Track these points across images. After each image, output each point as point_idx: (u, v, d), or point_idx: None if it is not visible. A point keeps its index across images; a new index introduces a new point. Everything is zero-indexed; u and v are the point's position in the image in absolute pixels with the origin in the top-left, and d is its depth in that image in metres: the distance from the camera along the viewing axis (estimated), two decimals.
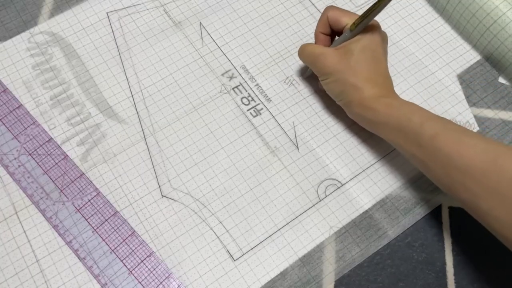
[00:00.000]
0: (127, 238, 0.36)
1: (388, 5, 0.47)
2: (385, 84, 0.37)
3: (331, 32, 0.40)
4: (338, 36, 0.40)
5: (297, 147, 0.40)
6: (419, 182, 0.39)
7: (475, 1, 0.43)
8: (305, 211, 0.38)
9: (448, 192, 0.33)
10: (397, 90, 0.43)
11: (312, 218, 0.38)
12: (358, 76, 0.36)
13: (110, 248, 0.36)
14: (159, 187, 0.38)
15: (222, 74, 0.43)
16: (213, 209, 0.38)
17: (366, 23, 0.36)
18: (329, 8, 0.39)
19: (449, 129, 0.32)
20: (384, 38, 0.38)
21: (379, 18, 0.46)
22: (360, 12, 0.47)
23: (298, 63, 0.44)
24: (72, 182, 0.38)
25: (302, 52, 0.40)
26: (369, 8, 0.35)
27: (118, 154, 0.39)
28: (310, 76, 0.43)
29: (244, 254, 0.36)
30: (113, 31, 0.45)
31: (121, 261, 0.36)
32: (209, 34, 0.45)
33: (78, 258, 0.36)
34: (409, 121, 0.33)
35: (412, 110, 0.34)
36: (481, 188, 0.30)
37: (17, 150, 0.39)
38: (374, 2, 0.35)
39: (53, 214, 0.37)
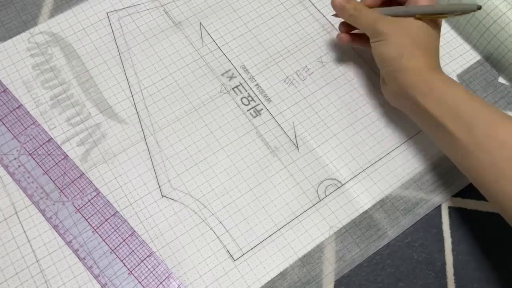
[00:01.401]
0: (127, 238, 0.36)
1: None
2: (439, 66, 0.36)
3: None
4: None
5: (297, 147, 0.40)
6: (419, 182, 0.39)
7: (475, 1, 0.43)
8: (305, 211, 0.38)
9: (484, 184, 0.32)
10: None
11: (312, 218, 0.38)
12: (417, 45, 0.35)
13: (110, 248, 0.36)
14: (159, 187, 0.38)
15: (222, 74, 0.43)
16: (213, 209, 0.38)
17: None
18: None
19: (508, 119, 0.32)
20: (437, 29, 0.37)
21: None
22: None
23: (298, 62, 0.44)
24: (72, 182, 0.38)
25: (360, 13, 0.38)
26: (447, 9, 0.35)
27: (118, 154, 0.39)
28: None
29: (244, 254, 0.36)
30: (113, 31, 0.45)
31: (121, 261, 0.36)
32: (209, 34, 0.45)
33: (78, 258, 0.36)
34: (466, 102, 0.32)
35: (468, 94, 0.33)
36: None
37: (17, 150, 0.39)
38: (453, 7, 0.35)
39: (53, 214, 0.37)
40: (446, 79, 0.35)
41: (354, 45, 0.43)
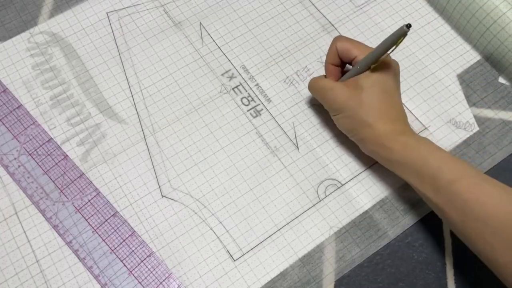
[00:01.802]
0: (127, 238, 0.36)
1: (388, 5, 0.47)
2: (399, 119, 0.35)
3: (341, 63, 0.39)
4: (350, 65, 0.39)
5: (297, 147, 0.40)
6: None
7: (475, 1, 0.43)
8: (305, 211, 0.38)
9: (464, 240, 0.32)
10: None
11: (312, 218, 0.38)
12: (369, 112, 0.35)
13: (110, 248, 0.36)
14: (159, 187, 0.38)
15: (222, 74, 0.43)
16: (213, 209, 0.38)
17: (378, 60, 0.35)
18: (338, 38, 0.38)
19: (469, 174, 0.31)
20: (396, 70, 0.37)
21: (379, 18, 0.47)
22: (360, 12, 0.47)
23: (298, 63, 0.44)
24: (72, 182, 0.38)
25: (312, 86, 0.39)
26: (382, 47, 0.34)
27: (118, 154, 0.39)
28: (319, 104, 0.42)
29: (244, 254, 0.36)
30: (113, 31, 0.45)
31: (121, 261, 0.36)
32: (209, 34, 0.45)
33: (78, 258, 0.36)
34: (426, 163, 0.32)
35: (429, 151, 0.33)
36: (499, 240, 0.28)
37: (17, 150, 0.39)
38: (386, 42, 0.33)
39: (53, 214, 0.37)
40: (403, 142, 0.34)
41: None
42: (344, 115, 0.36)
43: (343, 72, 0.39)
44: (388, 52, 0.34)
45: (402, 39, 0.32)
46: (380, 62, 0.35)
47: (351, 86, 0.36)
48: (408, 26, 0.31)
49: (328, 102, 0.37)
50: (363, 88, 0.35)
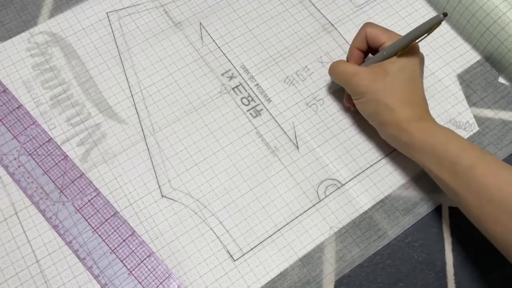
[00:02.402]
0: (127, 238, 0.36)
1: (388, 5, 0.47)
2: (421, 106, 0.36)
3: (367, 48, 0.39)
4: (372, 53, 0.39)
5: (297, 147, 0.40)
6: (419, 182, 0.39)
7: (475, 1, 0.43)
8: (305, 211, 0.38)
9: (479, 224, 0.33)
10: None
11: (312, 218, 0.38)
12: (393, 97, 0.35)
13: (110, 248, 0.36)
14: (159, 187, 0.38)
15: (222, 74, 0.43)
16: (213, 209, 0.38)
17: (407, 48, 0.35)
18: (368, 24, 0.39)
19: (488, 160, 0.32)
20: (422, 59, 0.37)
21: (379, 18, 0.47)
22: (360, 12, 0.47)
23: (298, 62, 0.44)
24: (72, 182, 0.38)
25: (334, 70, 0.39)
26: (413, 34, 0.34)
27: (118, 154, 0.39)
28: (336, 91, 0.43)
29: (244, 254, 0.36)
30: (113, 31, 0.45)
31: (121, 261, 0.36)
32: (209, 34, 0.45)
33: (78, 258, 0.36)
34: (445, 149, 0.33)
35: (448, 137, 0.34)
36: None
37: (17, 150, 0.39)
38: (419, 29, 0.34)
39: (53, 215, 0.37)
40: (424, 127, 0.35)
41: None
42: (367, 98, 0.36)
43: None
44: (420, 39, 0.34)
45: (436, 27, 0.33)
46: (409, 48, 0.35)
47: (376, 70, 0.36)
48: (445, 14, 0.32)
49: (352, 86, 0.37)
50: (389, 73, 0.36)
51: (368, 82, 0.36)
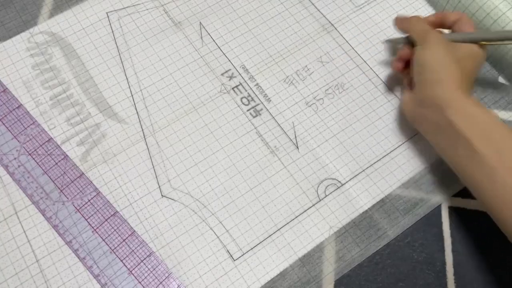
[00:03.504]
0: (127, 238, 0.36)
1: (388, 5, 0.47)
2: (472, 96, 0.36)
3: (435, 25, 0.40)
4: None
5: (297, 147, 0.40)
6: (419, 182, 0.39)
7: (474, 1, 0.43)
8: (305, 211, 0.38)
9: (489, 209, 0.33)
10: (397, 90, 0.43)
11: (312, 218, 0.38)
12: (459, 66, 0.35)
13: (110, 248, 0.36)
14: (159, 187, 0.38)
15: (222, 74, 0.43)
16: (213, 209, 0.38)
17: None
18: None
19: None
20: (484, 58, 0.38)
21: (379, 18, 0.47)
22: (360, 12, 0.47)
23: (298, 62, 0.44)
24: (72, 182, 0.38)
25: (412, 21, 0.39)
26: (505, 35, 0.37)
27: (118, 154, 0.39)
28: (392, 42, 0.43)
29: (244, 254, 0.36)
30: (112, 31, 0.45)
31: (121, 261, 0.36)
32: (209, 34, 0.45)
33: (78, 258, 0.36)
34: (498, 129, 0.33)
35: (501, 123, 0.33)
36: None
37: (17, 150, 0.39)
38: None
39: (53, 214, 0.37)
40: (479, 104, 0.35)
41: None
42: (435, 51, 0.36)
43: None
44: (507, 42, 0.37)
45: None
46: (491, 44, 0.37)
47: (453, 45, 0.37)
48: None
49: (423, 39, 0.38)
50: (460, 49, 0.37)
51: (445, 42, 0.37)
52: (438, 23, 0.40)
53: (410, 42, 0.40)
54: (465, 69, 0.36)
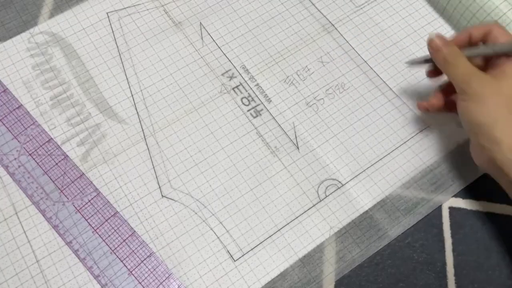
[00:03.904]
0: (127, 238, 0.36)
1: (388, 5, 0.47)
2: None
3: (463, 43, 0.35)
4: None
5: (297, 147, 0.40)
6: (420, 182, 0.39)
7: (475, 1, 0.43)
8: (305, 211, 0.38)
9: None
10: (398, 90, 0.43)
11: (313, 219, 0.38)
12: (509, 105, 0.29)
13: (110, 248, 0.36)
14: (159, 187, 0.38)
15: (222, 74, 0.43)
16: (213, 210, 0.38)
17: None
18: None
19: None
20: None
21: (379, 18, 0.47)
22: (360, 12, 0.47)
23: (298, 62, 0.44)
24: (72, 182, 0.38)
25: (447, 57, 0.33)
26: None
27: (118, 155, 0.39)
28: (416, 64, 0.39)
29: (244, 254, 0.36)
30: (113, 31, 0.45)
31: (121, 261, 0.36)
32: (209, 34, 0.45)
33: (78, 258, 0.36)
34: None
35: None
36: None
37: (17, 151, 0.39)
38: None
39: (53, 215, 0.37)
40: None
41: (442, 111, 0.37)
42: (483, 103, 0.30)
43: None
44: None
45: None
46: None
47: (493, 72, 0.32)
48: None
49: (471, 79, 0.31)
50: (509, 76, 0.30)
51: (493, 87, 0.30)
52: (466, 42, 0.35)
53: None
54: None
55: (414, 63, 0.39)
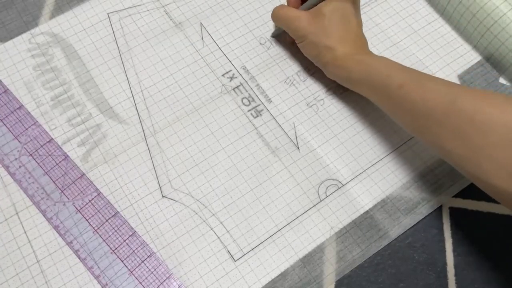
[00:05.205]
0: (127, 238, 0.36)
1: (389, 6, 0.47)
2: (357, 43, 0.39)
3: None
4: None
5: (298, 148, 0.40)
6: (420, 182, 0.39)
7: (475, 1, 0.43)
8: (306, 212, 0.38)
9: (416, 136, 0.34)
10: None
11: (313, 219, 0.38)
12: (330, 37, 0.38)
13: (111, 248, 0.36)
14: (160, 187, 0.38)
15: (223, 75, 0.43)
16: (214, 210, 0.38)
17: None
18: None
19: (415, 77, 0.34)
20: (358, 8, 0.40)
21: (379, 19, 0.47)
22: (362, 15, 0.47)
23: (299, 62, 0.44)
24: (73, 182, 0.38)
25: (276, 15, 0.42)
26: None
27: (119, 155, 0.39)
28: (278, 36, 0.45)
29: (244, 254, 0.36)
30: (114, 32, 0.45)
31: (122, 261, 0.36)
32: (209, 34, 0.45)
33: (79, 258, 0.36)
34: (378, 74, 0.35)
35: (380, 63, 0.36)
36: (443, 129, 0.31)
37: (18, 151, 0.39)
38: None
39: (54, 215, 0.37)
40: (359, 60, 0.37)
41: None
42: (308, 41, 0.39)
43: (303, 1, 0.43)
44: None
45: None
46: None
47: (314, 13, 0.39)
48: None
49: (294, 30, 0.40)
50: (325, 14, 0.39)
51: (307, 25, 0.39)
52: (298, 1, 0.42)
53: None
54: (337, 34, 0.38)
55: (274, 35, 0.45)
